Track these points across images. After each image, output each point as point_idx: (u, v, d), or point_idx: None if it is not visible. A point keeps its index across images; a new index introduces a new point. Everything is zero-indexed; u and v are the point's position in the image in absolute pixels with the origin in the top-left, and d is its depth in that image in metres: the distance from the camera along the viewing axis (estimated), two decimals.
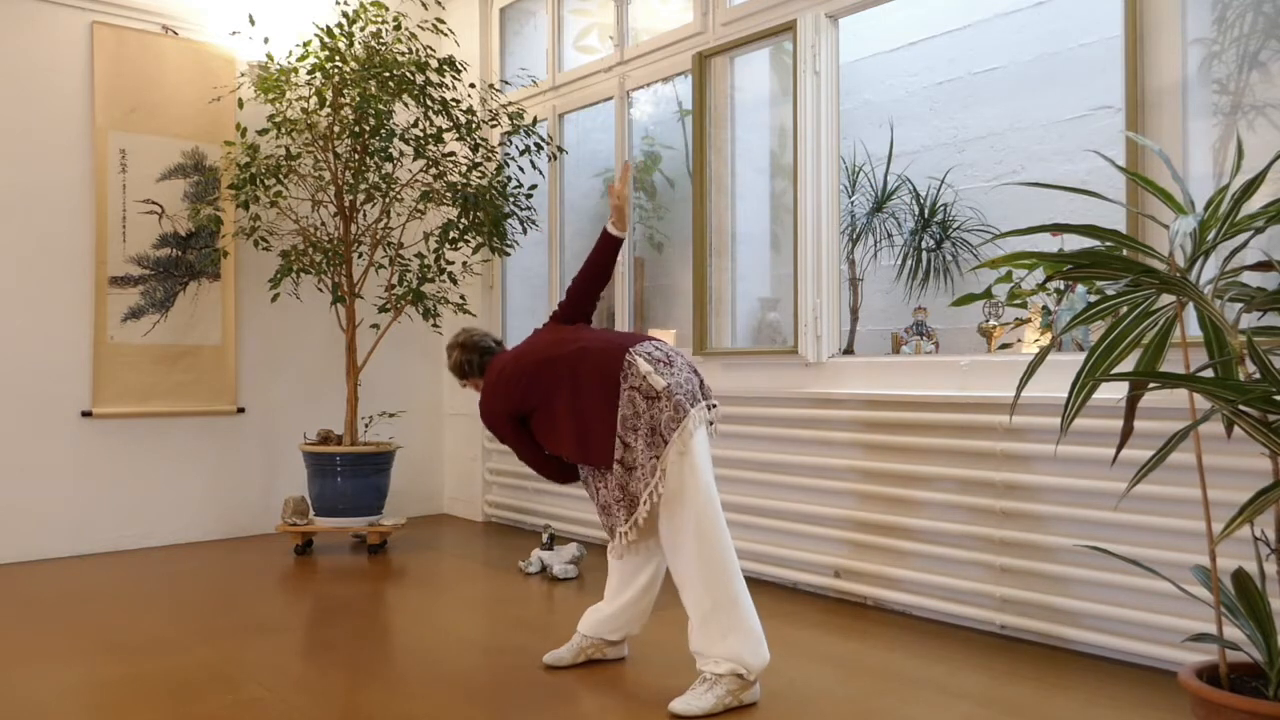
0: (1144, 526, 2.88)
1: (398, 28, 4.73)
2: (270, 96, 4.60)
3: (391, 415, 5.44)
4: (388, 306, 4.87)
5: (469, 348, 3.09)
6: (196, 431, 5.04)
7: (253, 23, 4.88)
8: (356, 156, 4.67)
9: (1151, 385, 2.10)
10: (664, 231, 5.62)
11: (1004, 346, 3.95)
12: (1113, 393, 2.72)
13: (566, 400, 2.74)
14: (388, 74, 4.57)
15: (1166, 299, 2.06)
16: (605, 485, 2.77)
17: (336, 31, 4.61)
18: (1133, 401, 2.10)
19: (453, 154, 4.88)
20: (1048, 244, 3.98)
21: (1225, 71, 3.00)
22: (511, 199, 5.00)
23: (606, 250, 3.04)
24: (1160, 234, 2.70)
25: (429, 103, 4.71)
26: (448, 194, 4.81)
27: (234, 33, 5.01)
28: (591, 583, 4.07)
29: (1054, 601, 3.09)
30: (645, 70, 4.80)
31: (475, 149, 4.87)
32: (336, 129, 4.62)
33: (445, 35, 5.07)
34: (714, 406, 2.74)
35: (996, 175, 4.72)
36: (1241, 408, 1.86)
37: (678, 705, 2.52)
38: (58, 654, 3.11)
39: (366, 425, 5.17)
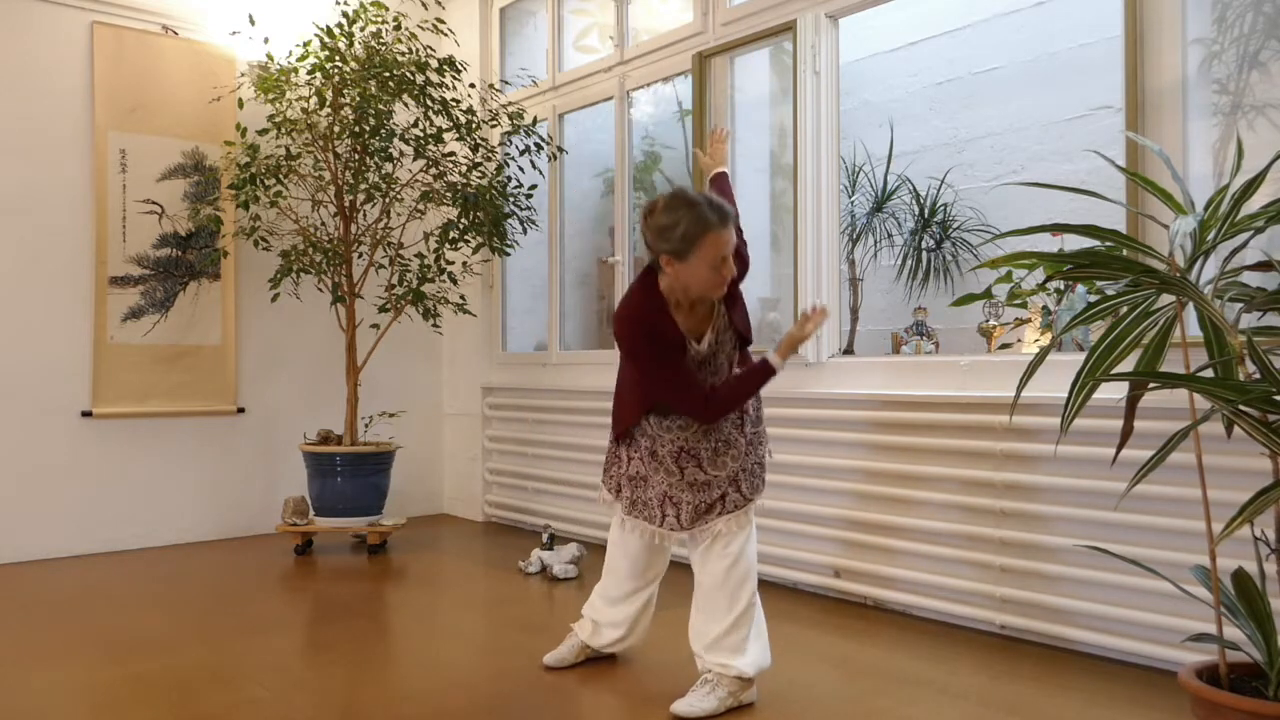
0: (1144, 526, 2.88)
1: (398, 28, 4.73)
2: (270, 96, 4.60)
3: (391, 415, 5.43)
4: (388, 306, 4.87)
5: None
6: (196, 431, 5.04)
7: (253, 23, 4.88)
8: (356, 156, 4.67)
9: (1151, 385, 2.11)
10: None
11: (1004, 346, 3.95)
12: (1113, 393, 2.72)
13: None
14: (388, 74, 4.56)
15: (1166, 299, 2.06)
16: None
17: (336, 31, 4.60)
18: (1133, 401, 2.10)
19: (453, 154, 4.88)
20: (1048, 244, 3.97)
21: (1225, 71, 3.00)
22: (511, 199, 5.00)
23: (760, 379, 2.58)
24: (1160, 234, 2.70)
25: (429, 103, 4.71)
26: (448, 194, 4.81)
27: (234, 33, 5.00)
28: (591, 583, 4.05)
29: (1054, 601, 3.09)
30: (645, 70, 4.80)
31: (475, 149, 4.87)
32: (336, 129, 4.61)
33: (445, 35, 5.07)
34: None
35: (996, 175, 4.71)
36: (1241, 408, 1.86)
37: (681, 707, 2.52)
38: (58, 654, 3.11)
39: (366, 425, 5.16)
